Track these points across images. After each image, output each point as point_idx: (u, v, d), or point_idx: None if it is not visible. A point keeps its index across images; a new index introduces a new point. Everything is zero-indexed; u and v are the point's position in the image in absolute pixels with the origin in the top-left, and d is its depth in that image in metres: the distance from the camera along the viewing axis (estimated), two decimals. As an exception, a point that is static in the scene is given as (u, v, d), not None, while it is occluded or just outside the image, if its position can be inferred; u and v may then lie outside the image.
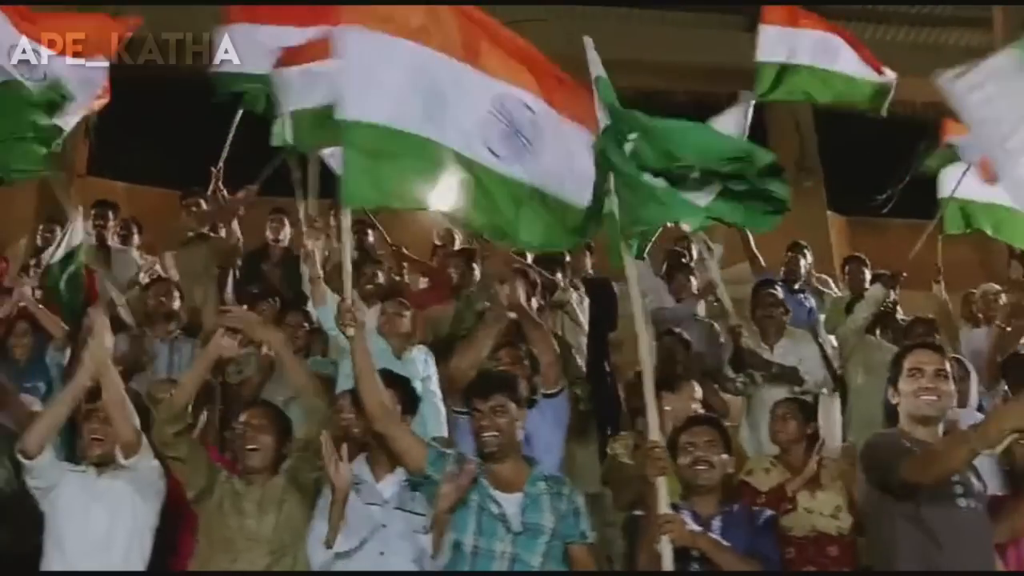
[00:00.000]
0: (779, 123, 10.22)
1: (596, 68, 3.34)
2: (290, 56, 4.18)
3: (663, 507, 2.94)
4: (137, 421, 3.43)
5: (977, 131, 4.10)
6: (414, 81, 3.32)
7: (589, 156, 3.34)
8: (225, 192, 6.40)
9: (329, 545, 3.24)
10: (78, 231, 5.65)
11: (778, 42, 5.69)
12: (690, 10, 11.02)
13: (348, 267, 3.48)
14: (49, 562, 3.32)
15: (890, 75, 5.98)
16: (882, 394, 5.05)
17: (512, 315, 4.19)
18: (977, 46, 9.97)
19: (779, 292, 5.52)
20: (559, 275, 5.60)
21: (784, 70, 5.73)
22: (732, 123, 5.40)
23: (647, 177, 3.02)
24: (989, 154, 4.28)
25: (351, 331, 3.26)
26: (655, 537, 2.90)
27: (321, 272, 4.82)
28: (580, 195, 3.40)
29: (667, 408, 3.78)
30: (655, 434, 3.07)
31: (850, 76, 5.86)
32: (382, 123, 3.24)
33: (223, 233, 6.33)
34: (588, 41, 3.36)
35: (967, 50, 10.56)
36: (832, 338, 5.91)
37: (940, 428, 3.14)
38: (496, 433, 3.20)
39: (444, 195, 3.35)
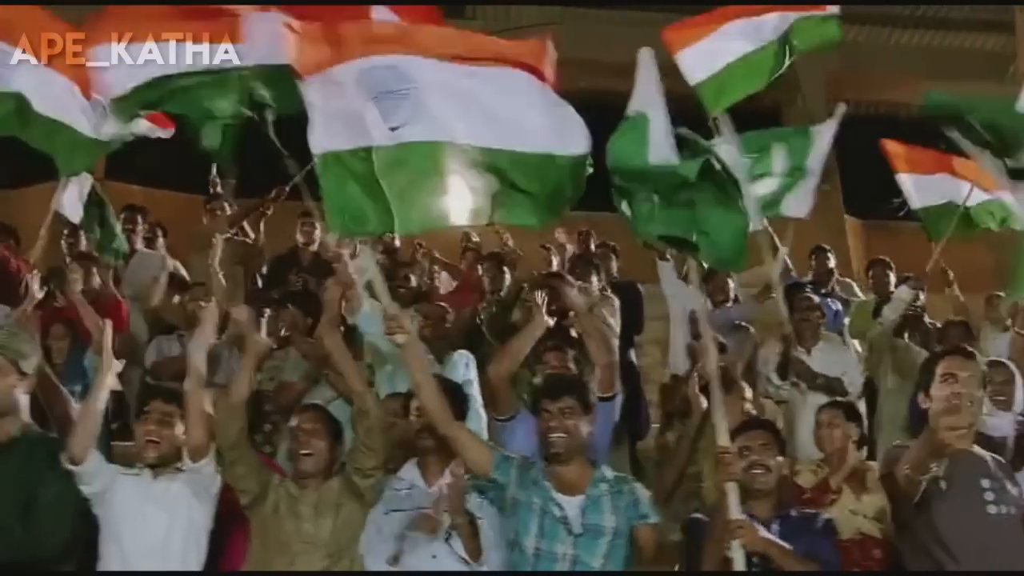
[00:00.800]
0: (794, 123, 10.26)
1: (652, 77, 3.35)
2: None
3: (735, 512, 2.96)
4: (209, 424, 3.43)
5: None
6: (365, 94, 3.38)
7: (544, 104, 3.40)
8: (221, 200, 6.40)
9: (392, 564, 3.26)
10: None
11: (698, 59, 5.35)
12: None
13: (378, 276, 3.54)
14: (107, 565, 3.31)
15: (832, 9, 5.52)
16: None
17: (551, 321, 4.20)
18: (1001, 51, 10.05)
19: (814, 296, 5.53)
20: (594, 279, 5.62)
21: (720, 76, 5.38)
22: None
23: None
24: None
25: (400, 338, 3.27)
26: (723, 541, 2.92)
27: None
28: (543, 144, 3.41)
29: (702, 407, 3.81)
30: (724, 439, 3.08)
31: (779, 41, 5.36)
32: (346, 149, 3.35)
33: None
34: (646, 53, 3.38)
35: (989, 54, 10.63)
36: (855, 342, 5.93)
37: (971, 435, 3.16)
38: (564, 435, 3.22)
39: (432, 205, 3.41)
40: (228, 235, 6.38)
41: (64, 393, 3.66)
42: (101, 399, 3.37)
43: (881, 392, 5.60)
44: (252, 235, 6.77)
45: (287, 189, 6.08)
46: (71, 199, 5.52)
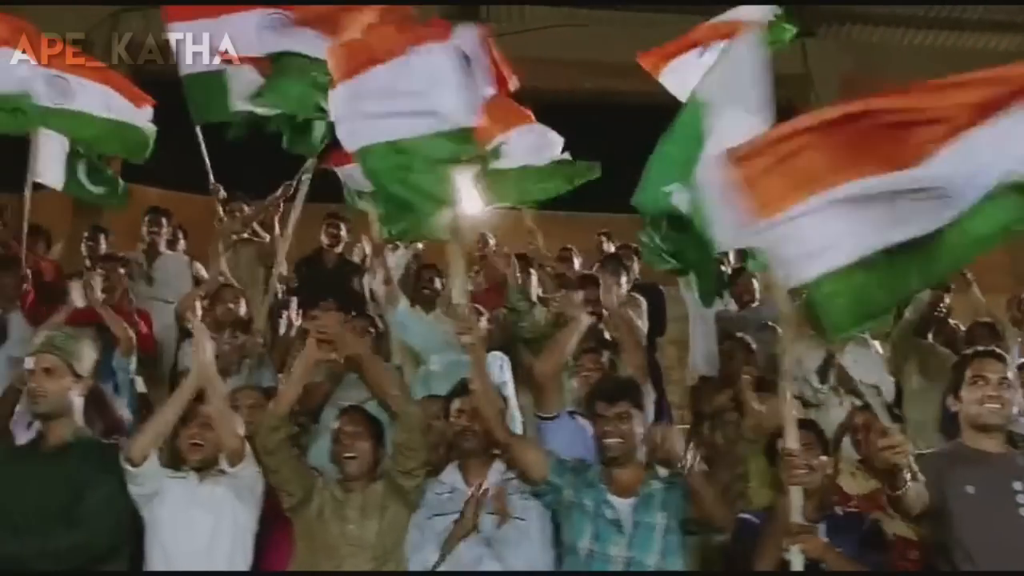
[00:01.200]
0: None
1: None
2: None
3: (796, 516, 2.98)
4: (242, 429, 3.45)
5: None
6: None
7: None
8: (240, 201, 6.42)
9: (434, 569, 3.29)
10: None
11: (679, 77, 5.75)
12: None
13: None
14: (153, 567, 3.33)
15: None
16: (938, 399, 5.14)
17: (590, 320, 4.22)
18: (1016, 51, 10.04)
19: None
20: (623, 279, 5.62)
21: None
22: None
23: None
24: None
25: (467, 339, 3.28)
26: (781, 544, 2.94)
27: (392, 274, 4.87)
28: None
29: (761, 409, 3.82)
30: (793, 442, 3.09)
31: None
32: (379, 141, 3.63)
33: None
34: None
35: (1003, 55, 10.62)
36: (877, 343, 5.93)
37: (1002, 437, 3.18)
38: (620, 439, 3.24)
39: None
40: (242, 236, 6.41)
41: (110, 395, 3.68)
42: (179, 407, 3.38)
43: (906, 394, 5.60)
44: (266, 235, 6.77)
45: (293, 186, 6.09)
46: (47, 165, 5.30)
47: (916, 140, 2.94)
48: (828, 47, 10.59)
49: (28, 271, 5.44)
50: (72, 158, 5.30)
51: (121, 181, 5.72)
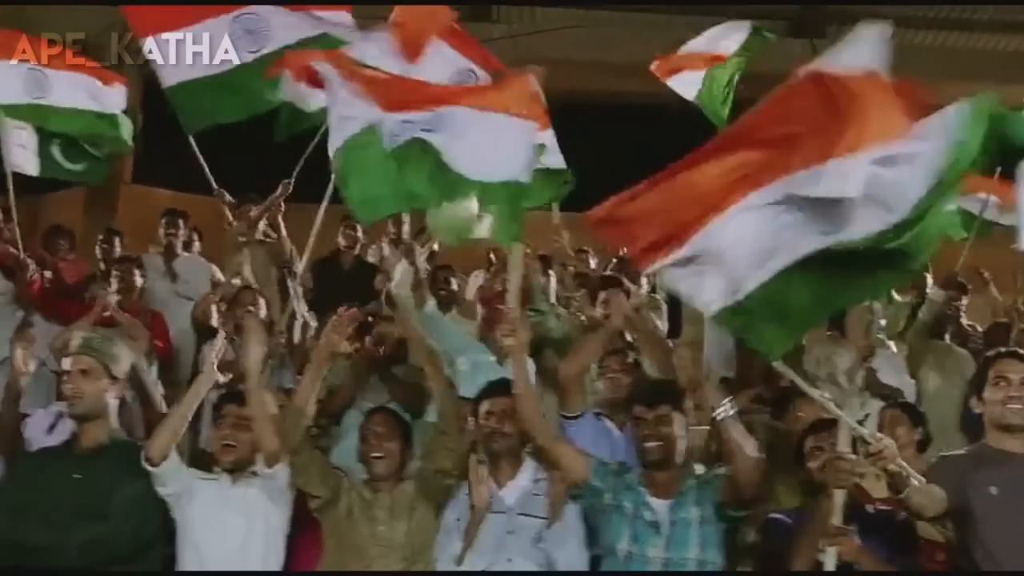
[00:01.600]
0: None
1: None
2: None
3: (838, 519, 2.99)
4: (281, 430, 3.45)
5: None
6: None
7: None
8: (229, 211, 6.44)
9: (459, 563, 3.30)
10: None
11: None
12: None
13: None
14: (185, 568, 3.35)
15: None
16: (955, 399, 5.14)
17: (619, 323, 4.23)
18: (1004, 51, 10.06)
19: (864, 299, 5.52)
20: (643, 279, 5.63)
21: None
22: None
23: None
24: None
25: (510, 341, 3.29)
26: (816, 544, 2.95)
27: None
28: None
29: (800, 414, 3.83)
30: (845, 445, 3.09)
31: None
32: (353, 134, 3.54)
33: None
34: None
35: (1014, 55, 10.64)
36: (892, 343, 5.93)
37: None
38: (660, 442, 3.24)
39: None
40: (252, 238, 6.40)
41: (157, 397, 3.69)
42: (191, 406, 3.40)
43: (923, 395, 5.60)
44: (273, 235, 6.77)
45: (291, 184, 6.10)
46: (19, 153, 5.20)
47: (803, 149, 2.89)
48: (837, 48, 10.60)
49: (36, 271, 5.44)
50: (44, 141, 5.26)
51: (102, 154, 5.54)
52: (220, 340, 3.63)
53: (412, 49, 4.49)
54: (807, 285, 2.92)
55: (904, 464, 3.05)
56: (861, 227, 2.76)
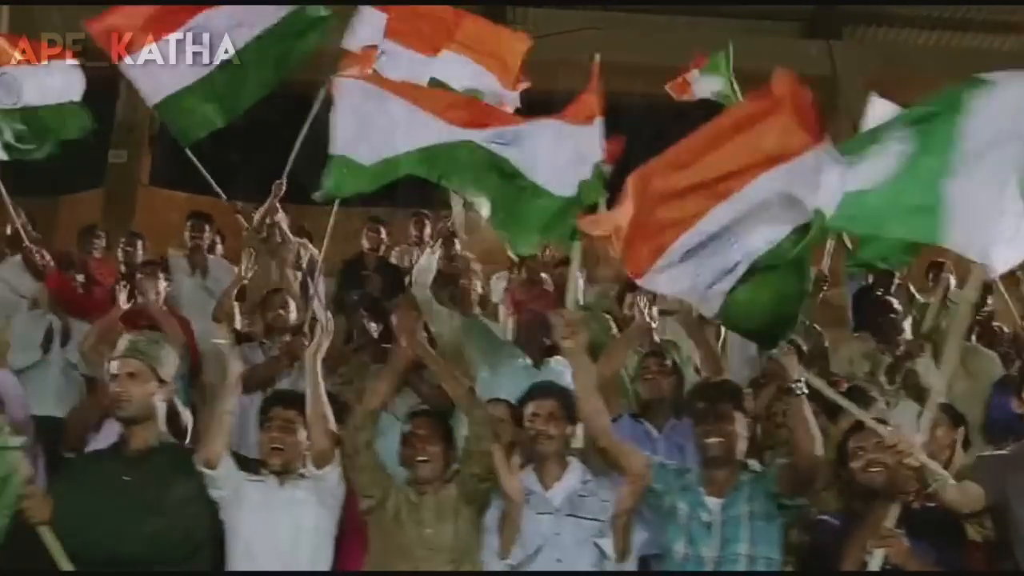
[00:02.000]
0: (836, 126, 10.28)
1: None
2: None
3: (891, 521, 3.01)
4: (334, 430, 3.46)
5: None
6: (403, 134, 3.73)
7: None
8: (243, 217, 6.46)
9: (503, 557, 3.30)
10: None
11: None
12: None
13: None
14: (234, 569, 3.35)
15: None
16: (983, 399, 5.13)
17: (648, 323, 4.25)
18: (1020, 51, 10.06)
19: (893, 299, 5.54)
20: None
21: None
22: None
23: None
24: None
25: (569, 343, 3.29)
26: (865, 545, 2.97)
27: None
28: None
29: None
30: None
31: None
32: (369, 164, 3.73)
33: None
34: None
35: (1009, 55, 10.64)
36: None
37: None
38: (721, 439, 3.25)
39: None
40: (267, 240, 6.42)
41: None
42: (230, 404, 3.40)
43: (952, 396, 5.59)
44: (292, 237, 6.78)
45: (284, 184, 6.14)
46: None
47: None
48: (854, 49, 10.63)
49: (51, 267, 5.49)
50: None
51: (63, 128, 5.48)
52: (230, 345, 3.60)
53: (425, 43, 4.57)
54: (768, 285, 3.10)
55: (926, 458, 3.06)
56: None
